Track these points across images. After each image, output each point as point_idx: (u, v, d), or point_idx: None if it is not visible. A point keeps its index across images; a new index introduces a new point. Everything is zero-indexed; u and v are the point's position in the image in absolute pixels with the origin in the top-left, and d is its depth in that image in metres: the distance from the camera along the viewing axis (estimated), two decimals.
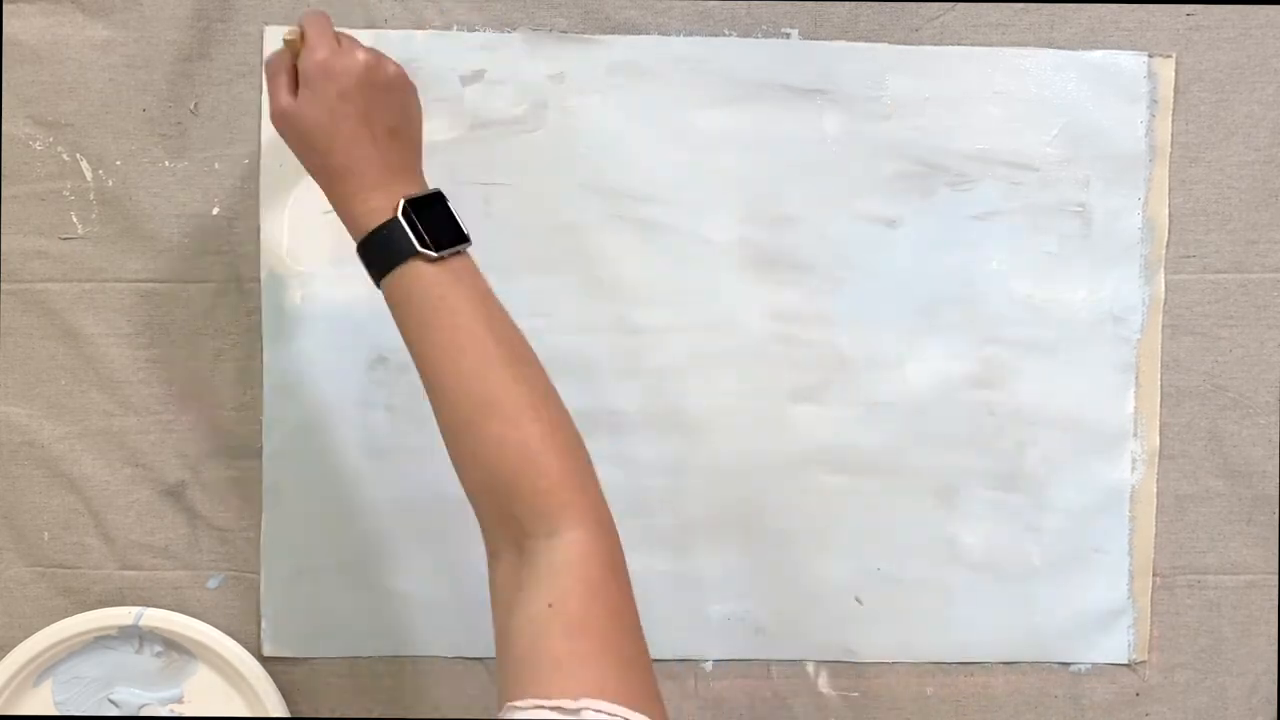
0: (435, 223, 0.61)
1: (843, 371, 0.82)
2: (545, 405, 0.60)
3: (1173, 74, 0.81)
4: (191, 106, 0.79)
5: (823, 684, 0.83)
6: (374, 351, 0.80)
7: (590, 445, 0.80)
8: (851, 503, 0.82)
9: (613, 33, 0.80)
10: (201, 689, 0.81)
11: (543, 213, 0.80)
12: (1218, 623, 0.84)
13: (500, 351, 0.60)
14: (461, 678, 0.82)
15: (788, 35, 0.80)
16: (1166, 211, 0.82)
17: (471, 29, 0.80)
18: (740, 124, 0.81)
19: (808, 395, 0.82)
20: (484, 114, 0.80)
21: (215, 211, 0.80)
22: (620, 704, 0.51)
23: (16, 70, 0.79)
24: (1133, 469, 0.83)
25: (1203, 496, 0.83)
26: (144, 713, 0.81)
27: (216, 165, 0.80)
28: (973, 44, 0.81)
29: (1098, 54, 0.81)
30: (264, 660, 0.81)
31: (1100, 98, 0.81)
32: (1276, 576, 0.83)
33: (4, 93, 0.79)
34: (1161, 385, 0.82)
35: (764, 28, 0.80)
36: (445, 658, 0.82)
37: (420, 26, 0.79)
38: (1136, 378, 0.82)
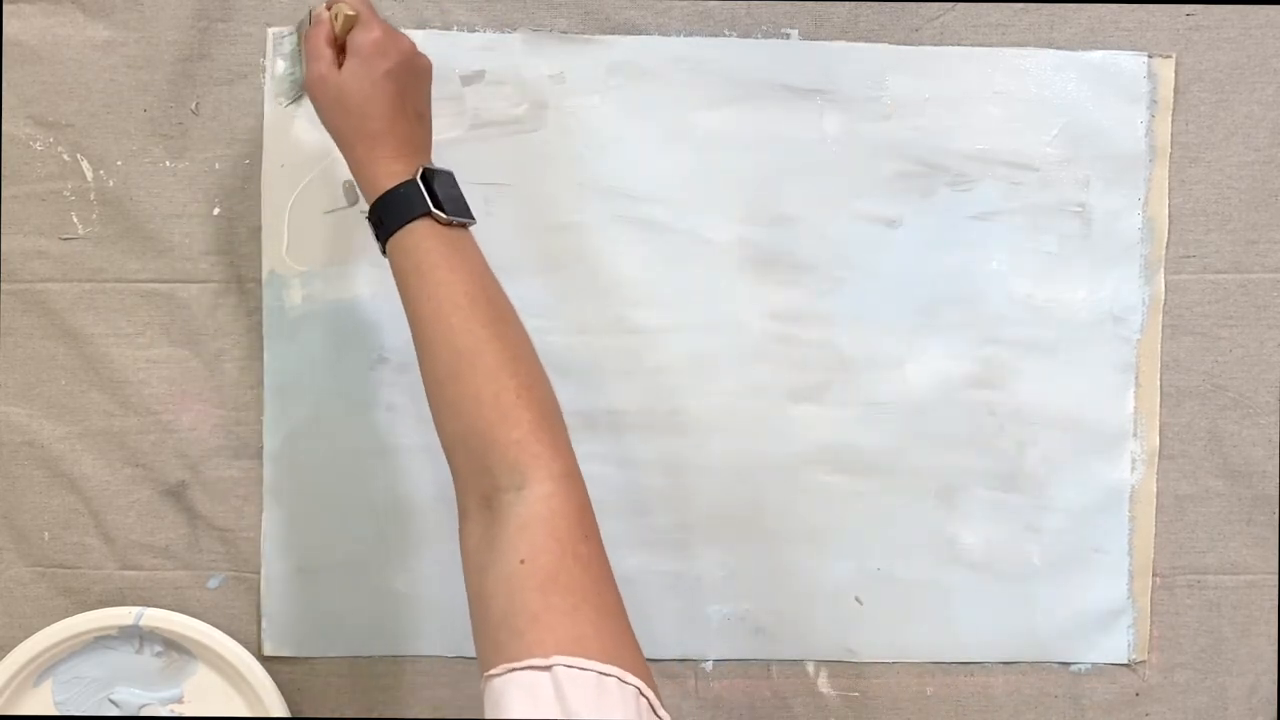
0: (447, 195, 0.66)
1: (843, 371, 0.82)
2: (523, 361, 0.63)
3: (1173, 74, 0.81)
4: (192, 107, 0.79)
5: (823, 684, 0.83)
6: (374, 351, 0.81)
7: (590, 445, 0.81)
8: (851, 503, 0.82)
9: (613, 33, 0.80)
10: (202, 689, 0.81)
11: (543, 213, 0.81)
12: (1218, 623, 0.84)
13: (487, 310, 0.64)
14: (461, 678, 0.82)
15: (788, 35, 0.80)
16: (1166, 211, 0.82)
17: (471, 29, 0.80)
18: (740, 124, 0.81)
19: (808, 395, 0.82)
20: (484, 114, 0.80)
21: (216, 211, 0.80)
22: (595, 657, 0.53)
23: (17, 70, 0.79)
24: (1132, 469, 0.83)
25: (1203, 496, 0.83)
26: (144, 713, 0.81)
27: (217, 165, 0.80)
28: (973, 44, 0.81)
29: (1098, 54, 0.81)
30: (264, 660, 0.81)
31: (1100, 98, 0.81)
32: (1276, 576, 0.83)
33: (4, 93, 0.79)
34: (1161, 385, 0.82)
35: (764, 28, 0.80)
36: (445, 657, 0.82)
37: (420, 26, 0.80)
38: (1136, 378, 0.82)
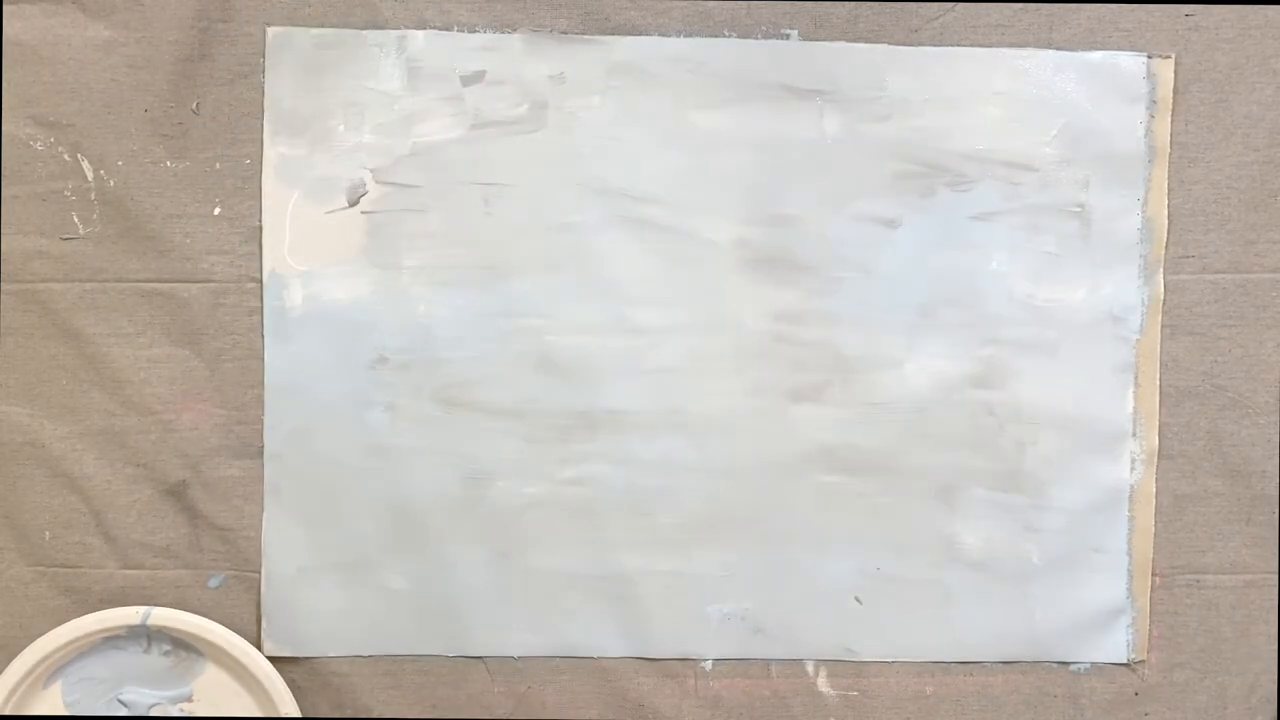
0: None
1: (842, 371, 0.82)
2: None
3: (1172, 74, 0.81)
4: (193, 107, 0.80)
5: (822, 683, 0.83)
6: (374, 351, 0.81)
7: (590, 445, 0.81)
8: (851, 503, 0.82)
9: (613, 33, 0.80)
10: (211, 688, 0.81)
11: (543, 213, 0.81)
12: (1217, 622, 0.84)
13: None
14: (461, 678, 0.82)
15: (788, 36, 0.81)
16: (1165, 212, 0.82)
17: (471, 29, 0.80)
18: (740, 124, 0.81)
19: (808, 395, 0.82)
20: (484, 114, 0.80)
21: (216, 211, 0.80)
22: None
23: (17, 70, 0.79)
24: (1132, 469, 0.83)
25: (1202, 496, 0.83)
26: (154, 712, 0.81)
27: (217, 165, 0.80)
28: (972, 44, 0.81)
29: (1097, 55, 0.81)
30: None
31: (1099, 98, 0.81)
32: (1276, 576, 0.84)
33: (5, 93, 0.79)
34: (1161, 385, 0.83)
35: (764, 28, 0.80)
36: (445, 657, 0.82)
37: (420, 26, 0.80)
38: (1136, 378, 0.83)
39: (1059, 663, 0.84)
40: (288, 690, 0.80)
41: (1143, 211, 0.82)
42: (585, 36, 0.80)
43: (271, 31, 0.79)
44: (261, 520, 0.81)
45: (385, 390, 0.81)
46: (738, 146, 0.81)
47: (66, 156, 0.79)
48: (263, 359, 0.81)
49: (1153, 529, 0.83)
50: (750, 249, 0.81)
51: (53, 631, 0.79)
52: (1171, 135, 0.81)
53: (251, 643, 0.81)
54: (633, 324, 0.81)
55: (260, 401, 0.81)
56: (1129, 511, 0.83)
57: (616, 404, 0.81)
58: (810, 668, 0.83)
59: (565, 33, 0.80)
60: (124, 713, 0.81)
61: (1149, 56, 0.81)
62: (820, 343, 0.82)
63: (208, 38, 0.79)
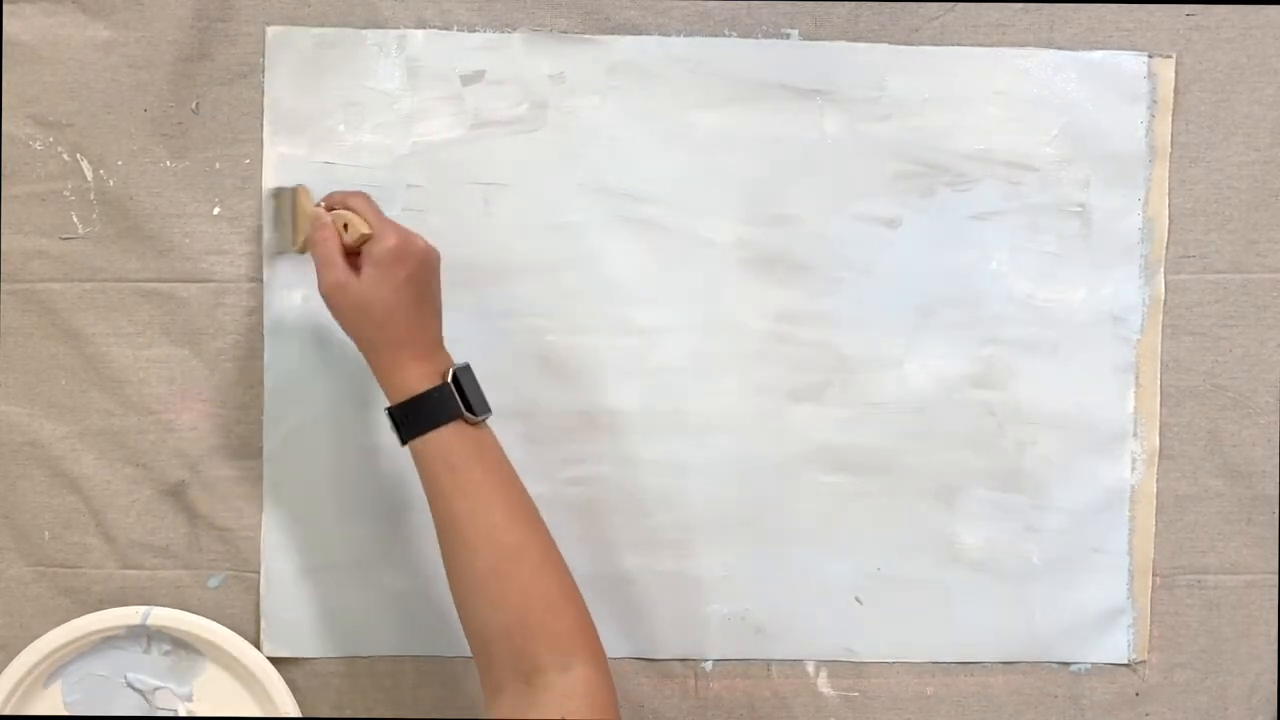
0: (472, 393, 0.70)
1: (842, 371, 0.82)
2: (558, 557, 0.69)
3: (1172, 74, 0.81)
4: (192, 106, 0.79)
5: (823, 684, 0.83)
6: None
7: (590, 445, 0.81)
8: (851, 503, 0.82)
9: (613, 33, 0.80)
10: (211, 688, 0.81)
11: (543, 213, 0.81)
12: (1217, 623, 0.84)
13: (522, 507, 0.69)
14: (461, 678, 0.82)
15: (788, 36, 0.81)
16: (1166, 212, 0.82)
17: (471, 29, 0.80)
18: (740, 124, 0.81)
19: (808, 395, 0.82)
20: (484, 114, 0.80)
21: (216, 211, 0.80)
22: None
23: (17, 70, 0.79)
24: (1132, 469, 0.83)
25: (1202, 496, 0.83)
26: (158, 697, 0.81)
27: (217, 165, 0.80)
28: (973, 44, 0.81)
29: (1098, 54, 0.81)
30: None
31: (1100, 98, 0.81)
32: (1276, 576, 0.83)
33: (4, 93, 0.79)
34: (1161, 385, 0.82)
35: (764, 28, 0.80)
36: (445, 657, 0.82)
37: (420, 26, 0.80)
38: (1136, 378, 0.83)
39: (1059, 663, 0.84)
40: (288, 690, 0.80)
41: (1143, 211, 0.82)
42: (585, 36, 0.80)
43: (271, 31, 0.79)
44: (261, 520, 0.81)
45: None
46: (738, 146, 0.81)
47: (66, 156, 0.79)
48: (262, 359, 0.81)
49: (1153, 529, 0.83)
50: (750, 249, 0.81)
51: (52, 631, 0.79)
52: (1172, 135, 0.81)
53: (251, 643, 0.81)
54: (633, 324, 0.81)
55: (259, 402, 0.81)
56: (1129, 512, 0.83)
57: (617, 404, 0.81)
58: (811, 668, 0.83)
59: (565, 32, 0.80)
60: (130, 695, 0.80)
61: (1150, 56, 0.81)
62: (820, 343, 0.82)
63: (207, 37, 0.79)
